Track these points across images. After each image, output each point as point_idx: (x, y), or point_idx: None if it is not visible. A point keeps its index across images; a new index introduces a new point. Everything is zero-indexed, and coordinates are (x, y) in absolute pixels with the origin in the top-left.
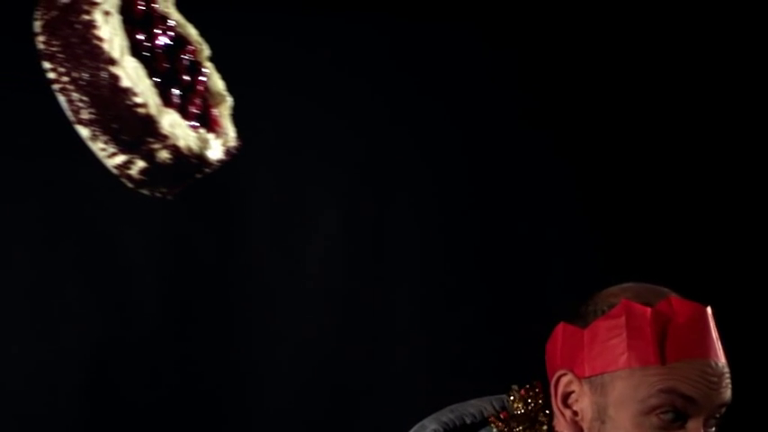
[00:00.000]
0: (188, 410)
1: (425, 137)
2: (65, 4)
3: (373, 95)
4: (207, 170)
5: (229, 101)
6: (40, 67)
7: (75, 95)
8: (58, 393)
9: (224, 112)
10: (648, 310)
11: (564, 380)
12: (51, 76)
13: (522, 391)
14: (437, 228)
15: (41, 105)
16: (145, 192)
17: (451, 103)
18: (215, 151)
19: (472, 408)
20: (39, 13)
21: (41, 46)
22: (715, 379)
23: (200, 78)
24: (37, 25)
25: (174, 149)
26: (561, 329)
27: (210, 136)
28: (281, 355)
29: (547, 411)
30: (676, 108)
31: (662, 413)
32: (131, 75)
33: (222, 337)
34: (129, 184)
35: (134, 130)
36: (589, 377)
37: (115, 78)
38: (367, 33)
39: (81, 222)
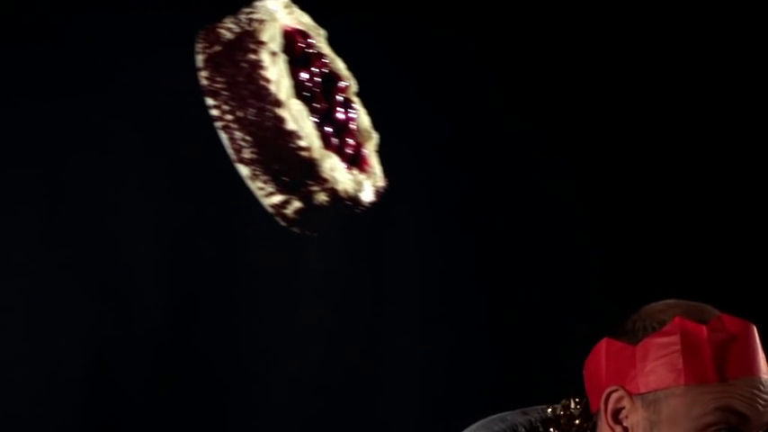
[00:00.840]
0: (189, 409)
1: (424, 136)
2: (229, 41)
3: (369, 95)
4: (357, 211)
5: (375, 137)
6: (36, 70)
7: (238, 134)
8: (58, 392)
9: (372, 149)
10: (704, 327)
11: (615, 396)
12: (215, 113)
13: (573, 403)
14: (437, 227)
15: (42, 106)
16: (295, 230)
17: (449, 103)
18: (367, 193)
19: (521, 418)
20: (200, 46)
21: (204, 81)
22: (766, 396)
23: (351, 116)
24: (199, 59)
25: (332, 192)
26: (605, 345)
27: (363, 177)
28: (283, 352)
29: (584, 425)
30: (675, 111)
31: (716, 431)
32: (296, 117)
33: (223, 335)
34: (282, 223)
35: (295, 172)
36: (641, 394)
37: (280, 120)
38: (361, 35)
39: (81, 222)
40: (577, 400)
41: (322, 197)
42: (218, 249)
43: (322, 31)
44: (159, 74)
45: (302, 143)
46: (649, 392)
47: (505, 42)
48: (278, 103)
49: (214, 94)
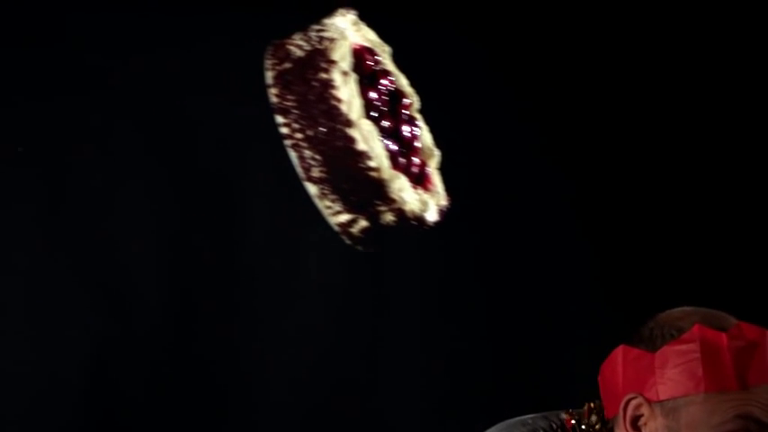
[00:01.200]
0: (189, 409)
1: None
2: (299, 58)
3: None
4: (421, 231)
5: (437, 155)
6: (36, 71)
7: (308, 153)
8: (58, 392)
9: (434, 167)
10: (723, 335)
11: (634, 402)
12: (284, 131)
13: (591, 408)
14: (437, 227)
15: (41, 105)
16: (359, 248)
17: (450, 103)
18: (432, 213)
19: (542, 422)
20: (270, 63)
21: (274, 99)
22: None
23: (416, 133)
24: (269, 76)
25: (399, 213)
26: (622, 352)
27: (427, 196)
28: (282, 353)
29: (602, 431)
30: (676, 112)
31: None
32: (366, 137)
33: (222, 335)
34: (347, 241)
35: (364, 192)
36: (660, 401)
37: (351, 141)
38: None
39: (81, 221)
40: (593, 405)
41: (389, 217)
42: (217, 249)
43: (387, 48)
44: (159, 74)
45: (372, 164)
46: (668, 400)
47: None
48: (349, 123)
49: (284, 112)
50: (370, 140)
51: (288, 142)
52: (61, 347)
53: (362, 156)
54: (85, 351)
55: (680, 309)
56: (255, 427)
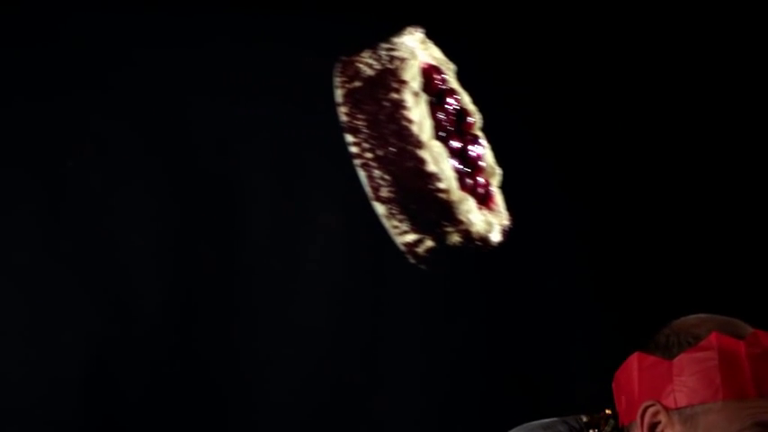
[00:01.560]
0: (189, 409)
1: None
2: (369, 77)
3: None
4: (485, 251)
5: (499, 173)
6: (36, 69)
7: (377, 173)
8: (58, 392)
9: (496, 186)
10: (741, 343)
11: (651, 410)
12: (354, 150)
13: (607, 414)
14: None
15: (41, 106)
16: (422, 267)
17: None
18: (496, 234)
19: (562, 426)
20: (339, 80)
21: (344, 117)
22: None
23: (481, 153)
24: (338, 94)
25: (466, 234)
26: (637, 359)
27: (492, 217)
28: (282, 352)
29: None
30: (677, 114)
31: None
32: (437, 159)
33: (222, 335)
34: (411, 260)
35: (433, 213)
36: (678, 408)
37: (421, 162)
38: (360, 34)
39: (81, 221)
40: (609, 412)
41: (455, 238)
42: (217, 249)
43: (452, 66)
44: (159, 74)
45: (441, 185)
46: (686, 407)
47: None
48: (419, 144)
49: (355, 131)
50: (439, 162)
51: (357, 161)
52: (61, 347)
53: (432, 177)
54: (85, 351)
55: (694, 316)
56: (255, 427)
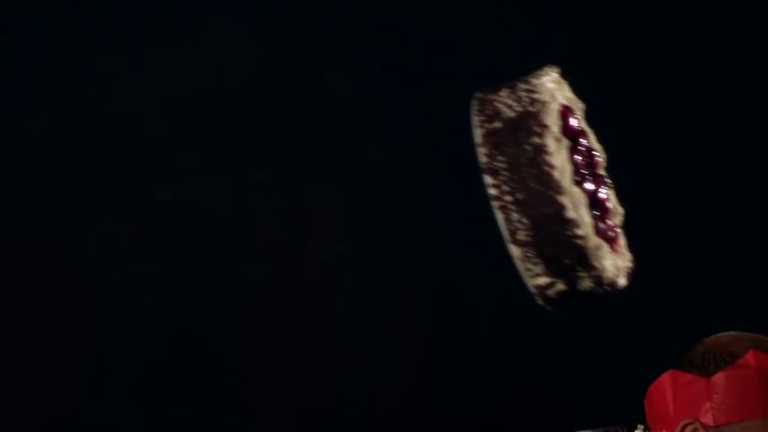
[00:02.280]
0: (188, 409)
1: (426, 136)
2: (510, 119)
3: (373, 96)
4: (610, 294)
5: (621, 213)
6: (36, 71)
7: (515, 216)
8: (58, 392)
9: (620, 227)
10: None
11: (690, 428)
12: (493, 192)
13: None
14: (437, 226)
15: (41, 105)
16: (549, 308)
17: (453, 105)
18: (623, 278)
19: None
20: (478, 119)
21: (484, 158)
22: None
23: (608, 194)
24: (478, 134)
25: (598, 280)
26: (671, 377)
27: (620, 260)
28: (282, 353)
29: None
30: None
31: None
32: (576, 205)
33: (222, 335)
34: (540, 301)
35: (568, 258)
36: (717, 426)
37: (561, 207)
38: (361, 35)
39: (81, 221)
40: (643, 427)
41: (587, 283)
42: (218, 249)
43: (580, 104)
44: (160, 74)
45: (579, 232)
46: (725, 425)
47: None
48: (560, 190)
49: (494, 173)
50: (578, 208)
51: (496, 203)
52: (61, 347)
53: (571, 223)
54: (85, 351)
55: (726, 333)
56: (255, 427)
